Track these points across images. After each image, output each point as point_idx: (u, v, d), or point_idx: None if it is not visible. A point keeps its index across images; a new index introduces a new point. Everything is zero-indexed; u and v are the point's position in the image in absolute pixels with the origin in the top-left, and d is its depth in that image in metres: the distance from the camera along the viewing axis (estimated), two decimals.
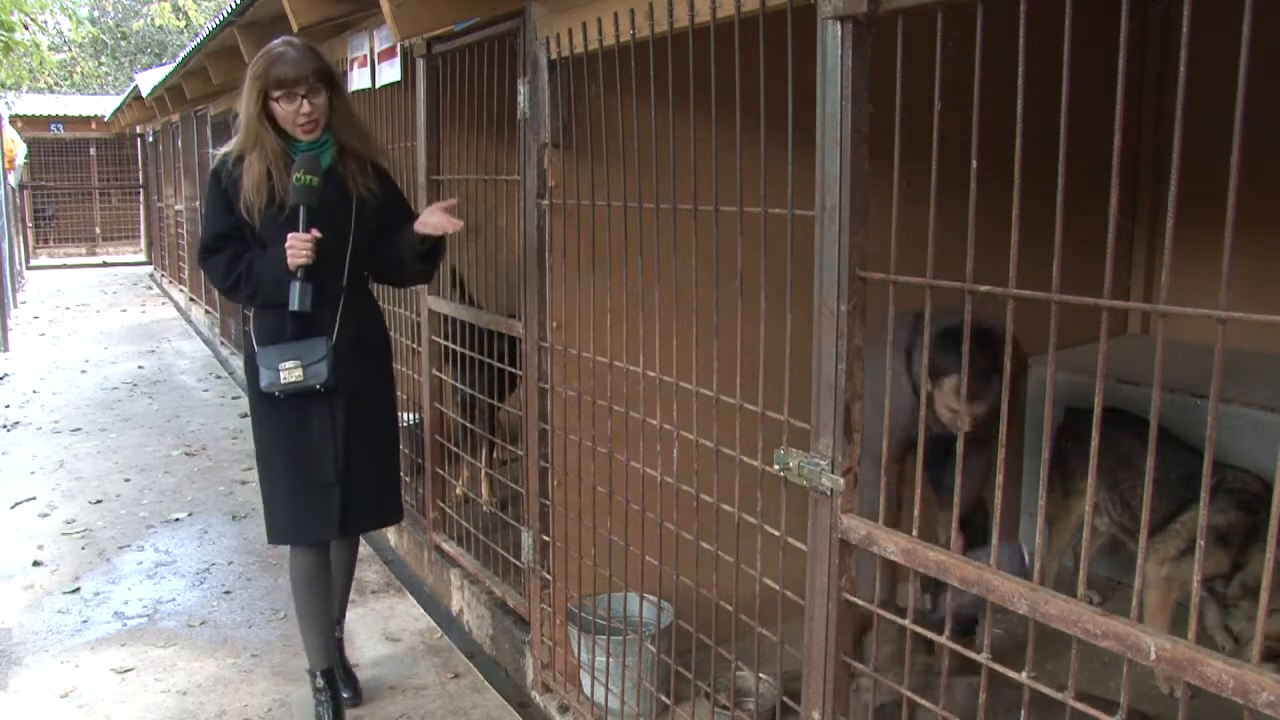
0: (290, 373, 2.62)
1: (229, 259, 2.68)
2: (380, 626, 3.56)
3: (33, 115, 16.26)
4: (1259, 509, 2.64)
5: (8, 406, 7.06)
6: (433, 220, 2.68)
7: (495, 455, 4.05)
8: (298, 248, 2.56)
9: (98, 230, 17.99)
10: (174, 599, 3.81)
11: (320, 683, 2.84)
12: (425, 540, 3.83)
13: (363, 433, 2.77)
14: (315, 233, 2.59)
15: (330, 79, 2.65)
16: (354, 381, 2.72)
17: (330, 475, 2.72)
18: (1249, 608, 2.67)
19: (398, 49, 3.60)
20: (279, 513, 2.78)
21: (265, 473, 2.82)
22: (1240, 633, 2.74)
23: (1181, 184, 1.14)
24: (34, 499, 5.01)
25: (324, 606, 2.86)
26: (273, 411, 2.73)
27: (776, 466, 1.76)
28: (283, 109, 2.58)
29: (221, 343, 8.62)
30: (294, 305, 2.58)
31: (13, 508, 4.89)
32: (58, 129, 16.87)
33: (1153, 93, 3.90)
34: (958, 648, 1.53)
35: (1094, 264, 1.41)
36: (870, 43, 1.54)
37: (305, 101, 2.57)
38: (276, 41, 2.66)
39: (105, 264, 17.11)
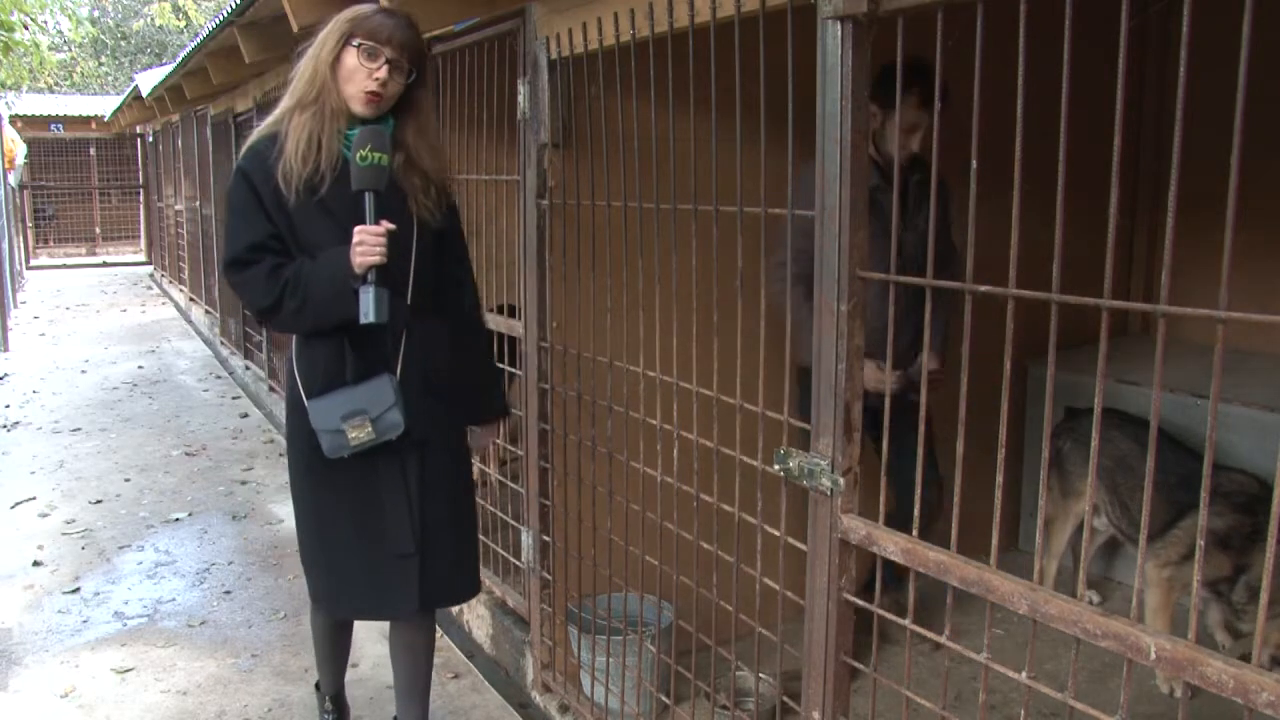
0: (358, 432, 2.16)
1: (269, 270, 2.15)
2: (379, 626, 3.54)
3: (33, 115, 16.28)
4: (1259, 510, 2.65)
5: (8, 406, 7.06)
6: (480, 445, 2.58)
7: (495, 455, 4.05)
8: (368, 243, 2.07)
9: (98, 230, 17.99)
10: (174, 599, 3.81)
11: (329, 705, 2.74)
12: None
13: (439, 488, 2.33)
14: (387, 224, 2.10)
15: (422, 67, 2.21)
16: (426, 426, 2.26)
17: (409, 544, 2.27)
18: (1256, 611, 2.67)
19: None
20: (345, 583, 2.34)
21: (320, 543, 2.34)
22: (1246, 634, 2.74)
23: (1181, 184, 1.14)
24: (34, 499, 5.01)
25: (345, 649, 2.68)
26: (327, 472, 2.26)
27: (776, 466, 1.76)
28: (356, 61, 2.11)
29: (221, 343, 8.62)
30: (367, 316, 2.08)
31: (13, 508, 4.89)
32: (58, 129, 16.88)
33: (1153, 92, 3.90)
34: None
35: (1094, 263, 1.41)
36: (870, 43, 1.54)
37: (387, 67, 2.12)
38: (384, 3, 2.24)
39: (105, 264, 17.12)
